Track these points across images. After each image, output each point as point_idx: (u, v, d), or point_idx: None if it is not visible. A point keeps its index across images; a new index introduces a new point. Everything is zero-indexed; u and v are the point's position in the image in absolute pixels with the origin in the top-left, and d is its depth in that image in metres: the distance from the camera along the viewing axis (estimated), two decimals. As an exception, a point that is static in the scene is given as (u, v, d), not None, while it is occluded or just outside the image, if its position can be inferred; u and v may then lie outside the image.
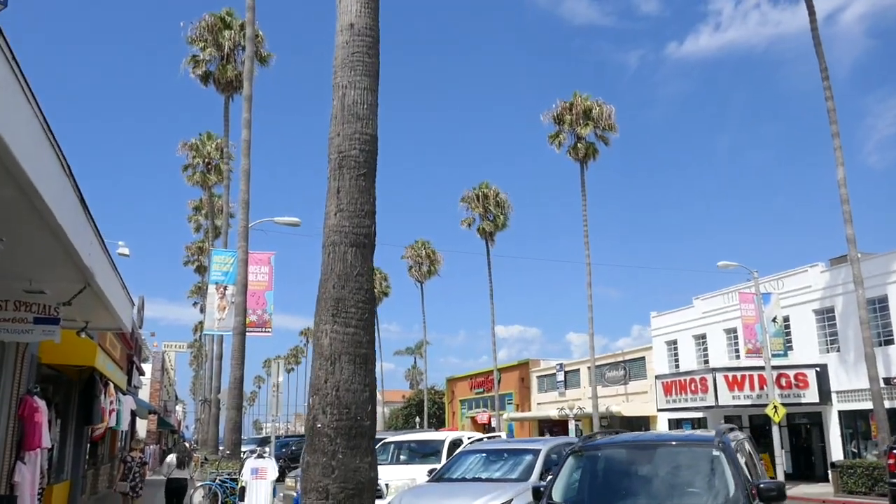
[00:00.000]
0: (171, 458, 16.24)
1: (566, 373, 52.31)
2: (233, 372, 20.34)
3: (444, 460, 13.89)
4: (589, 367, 48.44)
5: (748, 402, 31.81)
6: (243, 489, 13.80)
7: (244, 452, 22.75)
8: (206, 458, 31.57)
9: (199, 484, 18.34)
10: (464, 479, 10.89)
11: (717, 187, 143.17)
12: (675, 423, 40.43)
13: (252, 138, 22.04)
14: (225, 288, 23.41)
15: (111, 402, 15.13)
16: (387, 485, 12.42)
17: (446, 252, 77.76)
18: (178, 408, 78.59)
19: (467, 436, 15.46)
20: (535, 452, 11.10)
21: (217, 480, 17.72)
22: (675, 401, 35.55)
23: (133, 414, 21.84)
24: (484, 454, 11.60)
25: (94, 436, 16.45)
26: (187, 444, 20.73)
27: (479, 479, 10.74)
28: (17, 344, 10.39)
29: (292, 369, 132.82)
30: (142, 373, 34.12)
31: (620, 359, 46.48)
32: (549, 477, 7.05)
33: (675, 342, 41.60)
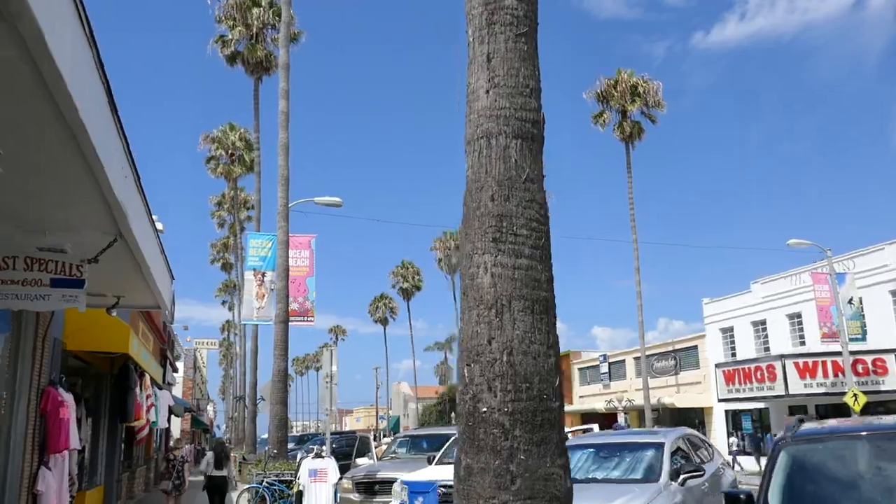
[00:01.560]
0: (210, 455, 15.68)
1: (610, 364, 50.16)
2: (276, 363, 18.59)
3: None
4: (636, 358, 46.29)
5: (821, 390, 29.53)
6: (300, 493, 12.03)
7: (290, 451, 21.05)
8: (244, 458, 30.00)
9: (245, 486, 16.62)
10: (575, 480, 8.96)
11: (750, 176, 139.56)
12: (731, 416, 38.22)
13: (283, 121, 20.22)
14: (263, 274, 21.68)
15: (148, 397, 13.43)
16: (440, 487, 10.59)
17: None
18: (210, 407, 77.52)
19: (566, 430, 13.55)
20: (658, 447, 9.16)
21: (264, 483, 15.98)
22: (737, 390, 33.35)
23: (170, 411, 20.21)
24: (592, 450, 9.67)
25: (138, 438, 14.77)
26: (225, 443, 18.91)
27: (595, 480, 8.80)
28: (35, 325, 8.64)
29: (320, 367, 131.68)
30: (175, 369, 32.61)
31: (670, 348, 44.22)
32: (761, 481, 5.08)
33: (730, 329, 39.32)
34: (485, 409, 3.38)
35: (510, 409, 3.36)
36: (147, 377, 12.80)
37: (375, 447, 17.27)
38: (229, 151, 44.68)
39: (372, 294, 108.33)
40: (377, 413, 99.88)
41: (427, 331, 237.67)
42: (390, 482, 14.31)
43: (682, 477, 8.75)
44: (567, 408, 52.76)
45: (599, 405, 46.73)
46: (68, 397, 9.32)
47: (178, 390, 40.31)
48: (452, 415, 66.56)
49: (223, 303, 76.64)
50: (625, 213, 39.81)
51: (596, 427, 12.11)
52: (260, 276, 21.61)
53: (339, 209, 22.63)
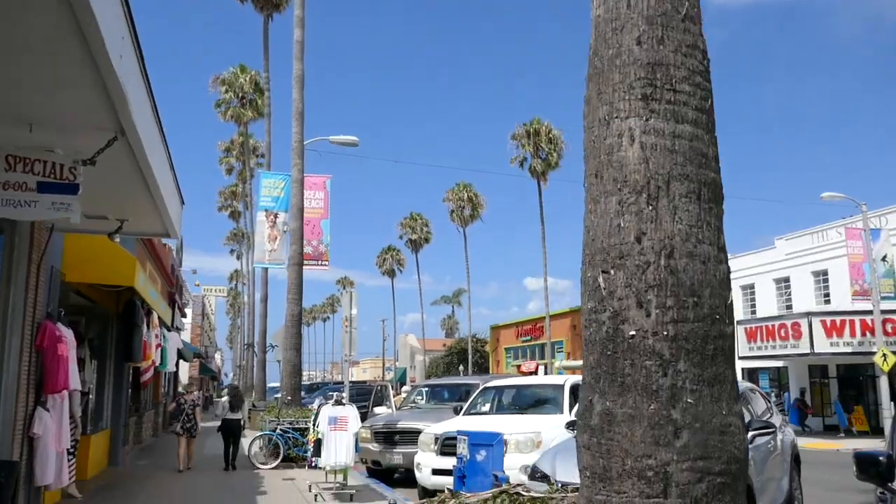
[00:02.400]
0: (224, 400, 15.71)
1: (624, 320, 49.34)
2: (289, 308, 17.70)
3: (566, 409, 11.13)
4: (651, 314, 45.62)
5: (848, 349, 28.57)
6: (319, 442, 11.21)
7: (304, 398, 20.36)
8: (253, 405, 29.42)
9: (258, 434, 15.87)
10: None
11: (765, 136, 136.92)
12: (748, 373, 37.45)
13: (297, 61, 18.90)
14: (275, 216, 20.66)
15: (156, 336, 12.55)
16: (505, 441, 9.70)
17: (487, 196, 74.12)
18: (217, 355, 77.45)
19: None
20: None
21: (277, 430, 15.22)
22: (759, 348, 32.42)
23: (179, 354, 19.42)
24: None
25: (143, 380, 13.99)
26: (239, 388, 18.33)
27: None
28: (29, 251, 7.67)
29: (328, 318, 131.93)
30: (184, 315, 31.90)
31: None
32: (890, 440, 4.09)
33: (751, 286, 38.30)
34: (633, 333, 2.38)
35: (671, 332, 2.36)
36: (155, 316, 11.87)
37: (394, 396, 16.49)
38: (240, 94, 43.33)
39: (378, 247, 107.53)
40: (384, 364, 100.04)
41: (433, 285, 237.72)
42: (411, 432, 13.51)
43: (750, 434, 7.82)
44: (577, 363, 52.14)
45: (612, 360, 46.06)
46: (68, 333, 8.41)
47: (186, 336, 39.75)
48: (461, 367, 66.26)
49: (231, 251, 75.86)
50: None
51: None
52: (272, 217, 20.60)
53: (354, 150, 21.53)
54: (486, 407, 12.17)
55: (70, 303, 11.99)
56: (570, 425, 9.05)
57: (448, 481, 9.97)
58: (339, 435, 10.98)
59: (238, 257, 68.15)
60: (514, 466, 9.61)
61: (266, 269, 26.91)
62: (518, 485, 3.83)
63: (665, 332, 2.41)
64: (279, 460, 14.98)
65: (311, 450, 12.31)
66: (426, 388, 16.68)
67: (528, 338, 61.41)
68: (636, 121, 2.54)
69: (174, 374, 30.19)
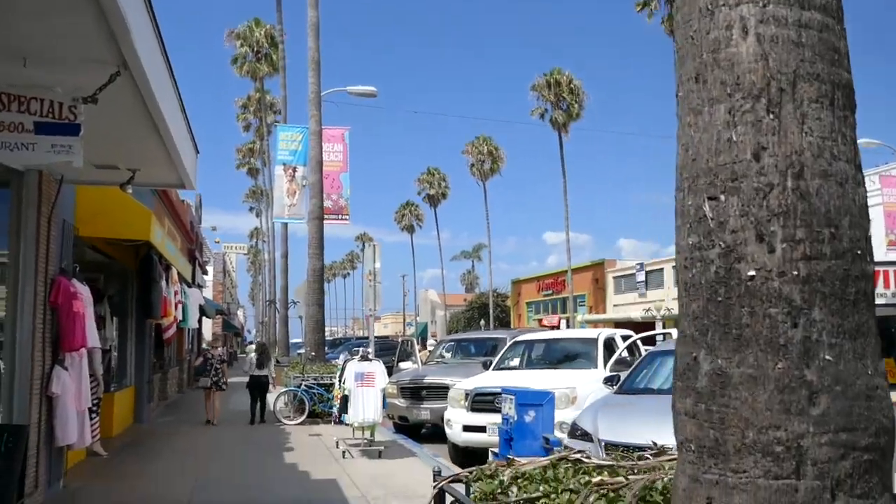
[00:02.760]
0: (252, 356, 15.90)
1: (647, 273, 48.74)
2: (310, 263, 17.35)
3: (600, 364, 10.72)
4: (676, 267, 44.88)
5: (881, 300, 27.78)
6: (346, 398, 10.91)
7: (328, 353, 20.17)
8: (277, 361, 29.40)
9: (283, 389, 15.68)
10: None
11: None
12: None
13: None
14: (294, 169, 20.19)
15: (176, 293, 12.24)
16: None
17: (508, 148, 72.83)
18: (240, 312, 77.99)
19: (620, 334, 12.26)
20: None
21: (302, 386, 15.01)
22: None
23: (202, 311, 19.24)
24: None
25: (166, 337, 13.77)
26: (266, 344, 18.45)
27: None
28: (38, 203, 7.27)
29: (347, 275, 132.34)
30: (205, 272, 31.80)
31: (713, 255, 42.54)
32: None
33: (779, 236, 37.47)
34: (752, 274, 1.89)
35: (802, 271, 1.87)
36: (174, 271, 11.51)
37: (419, 351, 16.19)
38: (255, 49, 42.63)
39: (396, 203, 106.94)
40: (404, 320, 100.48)
41: (451, 240, 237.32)
42: (438, 387, 13.22)
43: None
44: (600, 316, 51.82)
45: (635, 314, 45.55)
46: (83, 290, 8.07)
47: (208, 293, 39.81)
48: (482, 322, 66.19)
49: (250, 209, 75.68)
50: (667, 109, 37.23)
51: (675, 332, 10.76)
52: (291, 171, 20.13)
53: (372, 100, 20.95)
54: (516, 361, 11.81)
55: (87, 260, 11.69)
56: (609, 381, 8.64)
57: (480, 438, 9.68)
58: (367, 391, 10.68)
59: (257, 215, 68.04)
60: (548, 422, 9.30)
61: (286, 224, 26.58)
62: (579, 451, 3.37)
63: (795, 272, 1.92)
64: (304, 416, 14.81)
65: (338, 406, 12.05)
66: (452, 343, 16.36)
67: (550, 292, 61.13)
68: (750, 7, 2.01)
69: (197, 330, 30.19)
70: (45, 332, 7.34)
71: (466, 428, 9.80)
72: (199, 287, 27.51)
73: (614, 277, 53.35)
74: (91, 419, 10.04)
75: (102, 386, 10.43)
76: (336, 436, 12.29)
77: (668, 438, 6.18)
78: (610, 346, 11.35)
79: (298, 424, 14.63)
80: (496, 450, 9.58)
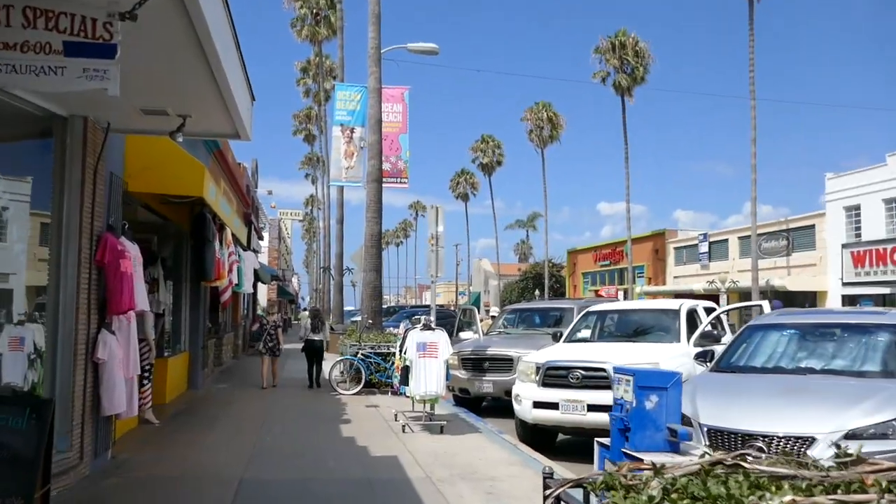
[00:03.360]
0: (307, 322, 16.27)
1: (710, 243, 47.00)
2: (368, 227, 16.71)
3: (683, 338, 9.81)
4: (741, 237, 43.16)
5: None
6: (406, 369, 10.27)
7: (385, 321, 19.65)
8: (331, 328, 29.14)
9: (339, 358, 15.17)
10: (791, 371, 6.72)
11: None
12: (848, 300, 35.04)
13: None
14: (352, 130, 19.51)
15: (230, 255, 11.69)
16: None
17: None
18: (294, 279, 78.59)
19: (703, 306, 11.28)
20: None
21: (359, 355, 14.47)
22: (865, 273, 30.12)
23: (256, 276, 18.86)
24: (807, 331, 7.27)
25: (222, 301, 13.36)
26: (320, 310, 18.49)
27: (834, 373, 6.48)
28: (83, 154, 6.71)
29: (401, 243, 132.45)
30: (260, 237, 31.62)
31: (783, 227, 40.66)
32: None
33: (856, 207, 35.42)
34: None
35: None
36: (228, 232, 10.94)
37: (480, 321, 15.46)
38: (314, 11, 42.07)
39: (449, 171, 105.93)
40: (457, 289, 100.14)
41: (504, 210, 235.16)
42: (502, 359, 12.50)
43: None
44: (659, 288, 50.27)
45: (697, 286, 44.01)
46: (132, 249, 7.53)
47: (263, 259, 39.81)
48: (536, 292, 65.24)
49: (306, 176, 75.80)
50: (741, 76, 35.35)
51: (766, 304, 9.76)
52: (348, 132, 19.46)
53: (433, 59, 20.06)
54: (587, 333, 10.97)
55: (140, 220, 11.25)
56: (702, 357, 7.76)
57: (552, 416, 8.92)
58: (429, 362, 10.01)
59: (313, 182, 68.04)
60: (628, 402, 8.48)
61: (341, 189, 26.05)
62: (742, 453, 2.55)
63: None
64: (361, 386, 14.29)
65: (398, 377, 11.43)
66: (515, 313, 15.57)
67: (607, 262, 59.73)
68: None
69: (252, 296, 30.10)
70: (90, 293, 6.82)
71: (537, 404, 9.04)
72: (255, 252, 27.29)
73: (675, 248, 51.68)
74: (143, 386, 9.63)
75: (155, 351, 9.99)
76: (394, 408, 11.71)
77: (786, 426, 5.34)
78: (692, 318, 10.42)
79: (354, 394, 14.12)
80: (566, 425, 8.84)
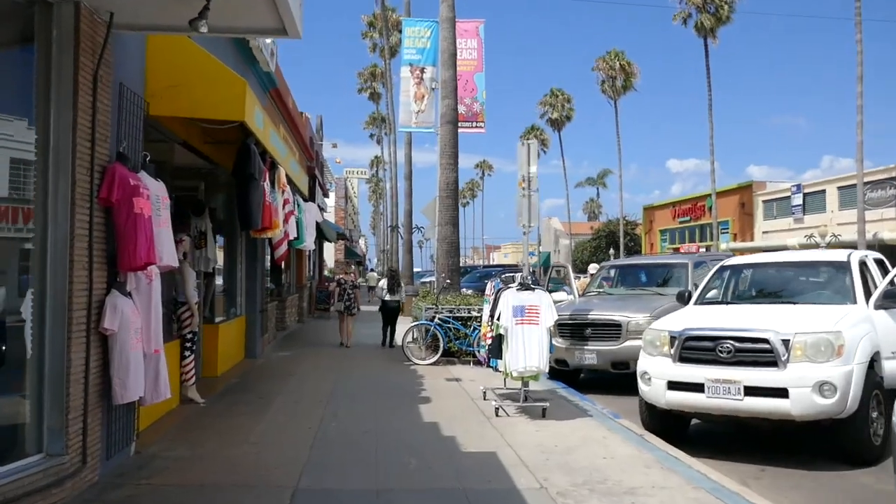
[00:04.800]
0: (383, 282, 16.16)
1: (805, 195, 43.35)
2: (443, 175, 14.74)
3: (859, 296, 7.53)
4: (841, 187, 39.52)
5: None
6: (499, 338, 8.36)
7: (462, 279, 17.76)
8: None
9: (413, 324, 13.43)
10: None
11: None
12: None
13: None
14: (422, 70, 17.46)
15: (286, 202, 9.78)
16: (787, 342, 6.38)
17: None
18: (361, 241, 77.61)
19: (872, 256, 8.93)
20: None
21: (436, 319, 12.64)
22: None
23: (321, 233, 17.11)
24: None
25: (277, 256, 11.66)
26: (397, 270, 17.67)
27: None
28: (75, 52, 4.92)
29: (467, 203, 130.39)
30: (326, 194, 30.07)
31: (892, 174, 36.86)
32: None
33: None
34: None
35: None
36: (282, 173, 8.96)
37: (575, 280, 13.39)
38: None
39: (516, 129, 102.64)
40: (526, 249, 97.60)
41: (571, 168, 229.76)
42: (608, 325, 10.48)
43: None
44: (747, 244, 46.83)
45: (791, 240, 40.64)
46: (152, 185, 5.76)
47: (329, 218, 38.40)
48: (611, 251, 62.50)
49: (371, 136, 74.24)
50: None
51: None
52: (418, 72, 17.42)
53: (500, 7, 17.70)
54: (715, 293, 8.78)
55: (183, 165, 9.57)
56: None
57: (695, 401, 6.86)
58: (529, 330, 8.06)
59: (378, 142, 66.45)
60: (802, 382, 6.35)
61: (410, 137, 24.09)
62: None
63: None
64: (438, 355, 12.51)
65: (485, 346, 9.51)
66: (615, 270, 13.43)
67: (687, 218, 56.42)
68: None
69: (317, 255, 28.64)
70: (92, 242, 5.08)
71: (673, 385, 6.99)
72: (321, 209, 25.70)
73: (764, 201, 48.08)
74: (184, 359, 8.01)
75: (198, 317, 8.34)
76: (479, 382, 9.88)
77: None
78: (864, 273, 8.13)
79: (431, 364, 12.36)
80: (715, 412, 6.79)
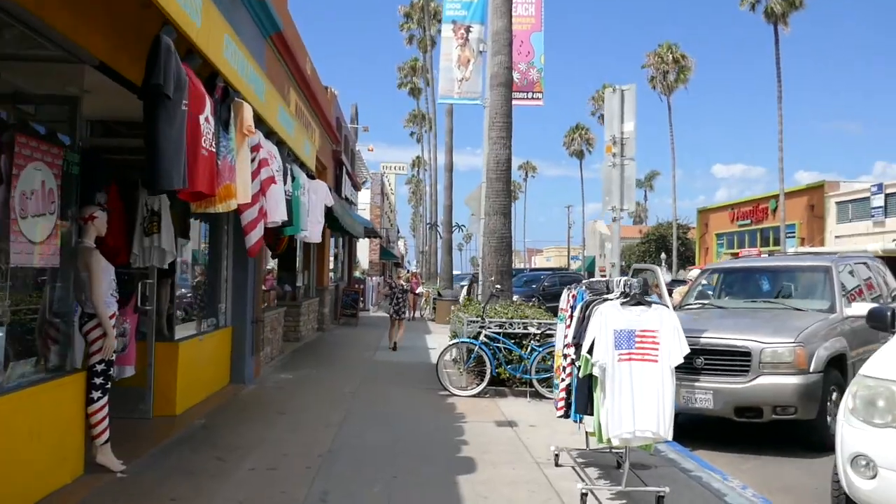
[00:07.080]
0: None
1: (887, 196, 39.18)
2: (493, 151, 11.60)
3: None
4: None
5: None
6: (590, 380, 5.19)
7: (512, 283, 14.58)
8: (438, 294, 24.33)
9: (453, 341, 10.37)
10: None
11: None
12: None
13: None
14: (468, 29, 14.36)
15: (261, 162, 6.33)
16: None
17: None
18: (400, 242, 74.71)
19: None
20: None
21: (482, 336, 9.52)
22: None
23: (336, 221, 13.86)
24: None
25: (248, 246, 8.19)
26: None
27: None
28: None
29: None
30: (356, 187, 27.12)
31: None
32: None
33: None
34: None
35: None
36: (246, 110, 5.47)
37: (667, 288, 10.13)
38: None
39: (554, 132, 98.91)
40: (569, 252, 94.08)
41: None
42: (732, 353, 7.27)
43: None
44: (817, 249, 42.74)
45: (871, 246, 36.47)
46: None
47: (364, 215, 35.44)
48: (662, 256, 58.80)
49: (411, 134, 71.58)
50: None
51: None
52: (462, 31, 14.32)
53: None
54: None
55: (123, 117, 6.56)
56: None
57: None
58: (642, 369, 4.94)
59: (418, 140, 63.81)
60: None
61: (451, 123, 20.96)
62: None
63: None
64: (485, 383, 9.42)
65: (566, 388, 6.26)
66: (721, 275, 10.10)
67: (747, 221, 52.43)
68: None
69: (346, 252, 25.65)
70: None
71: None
72: (350, 202, 22.69)
73: (838, 203, 43.90)
74: (93, 402, 5.05)
75: (111, 339, 5.31)
76: (544, 428, 6.81)
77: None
78: None
79: (475, 396, 9.29)
80: None
